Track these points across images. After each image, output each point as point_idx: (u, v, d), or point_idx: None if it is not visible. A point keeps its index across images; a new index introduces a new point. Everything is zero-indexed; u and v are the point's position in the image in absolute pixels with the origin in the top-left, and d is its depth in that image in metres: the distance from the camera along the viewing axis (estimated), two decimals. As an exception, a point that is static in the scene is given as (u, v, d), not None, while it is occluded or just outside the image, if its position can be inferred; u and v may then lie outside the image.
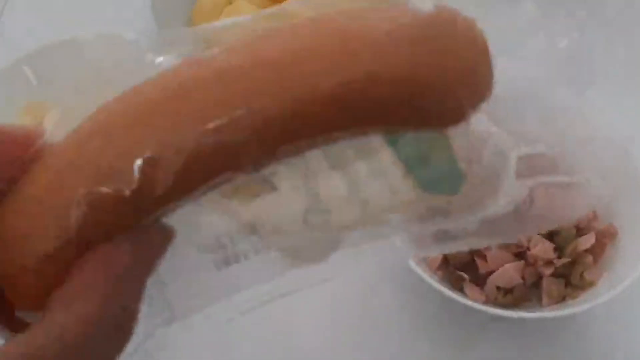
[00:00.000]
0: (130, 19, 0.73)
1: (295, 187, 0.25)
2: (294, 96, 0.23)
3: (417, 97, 0.23)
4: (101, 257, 0.23)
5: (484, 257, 0.55)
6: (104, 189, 0.22)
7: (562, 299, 0.54)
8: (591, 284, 0.54)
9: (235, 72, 0.23)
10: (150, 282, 0.24)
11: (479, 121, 0.25)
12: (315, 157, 0.24)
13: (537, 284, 0.56)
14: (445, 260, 0.57)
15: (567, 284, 0.55)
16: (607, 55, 0.74)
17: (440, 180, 0.26)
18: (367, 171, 0.25)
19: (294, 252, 0.26)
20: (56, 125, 0.68)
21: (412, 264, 0.53)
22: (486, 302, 0.55)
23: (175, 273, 0.26)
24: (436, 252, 0.28)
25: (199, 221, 0.25)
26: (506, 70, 0.26)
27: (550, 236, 0.55)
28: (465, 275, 0.56)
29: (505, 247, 0.55)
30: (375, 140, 0.25)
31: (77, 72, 0.77)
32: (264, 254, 0.26)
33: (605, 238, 0.56)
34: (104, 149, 0.24)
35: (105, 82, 0.72)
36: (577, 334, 0.55)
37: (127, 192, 0.22)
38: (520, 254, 0.55)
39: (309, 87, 0.23)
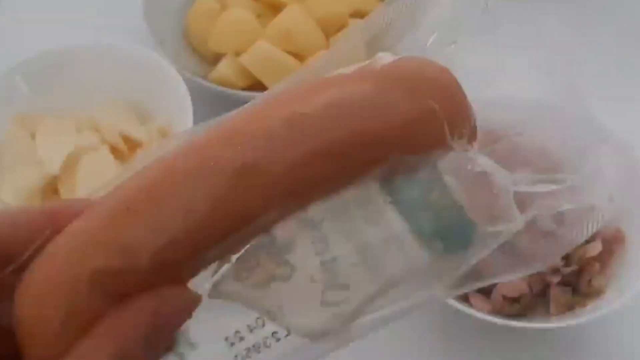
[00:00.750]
0: (122, 28, 0.72)
1: (310, 264, 0.25)
2: (297, 155, 0.24)
3: (404, 131, 0.25)
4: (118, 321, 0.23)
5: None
6: (118, 263, 0.23)
7: (570, 308, 0.53)
8: (599, 292, 0.53)
9: (248, 129, 0.25)
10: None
11: (479, 163, 0.26)
12: (327, 228, 0.25)
13: (544, 292, 0.55)
14: (450, 269, 0.56)
15: (575, 292, 0.54)
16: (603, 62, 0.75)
17: (451, 236, 0.26)
18: (378, 237, 0.25)
19: (317, 336, 0.26)
20: (48, 135, 0.66)
21: (417, 274, 0.51)
22: (492, 311, 0.54)
23: None
24: (469, 289, 0.27)
25: (216, 317, 0.25)
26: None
27: (557, 243, 0.55)
28: (470, 285, 0.55)
29: (510, 255, 0.54)
30: (376, 196, 0.25)
31: (70, 82, 0.76)
32: (285, 340, 0.25)
33: (613, 244, 0.55)
34: (123, 226, 0.23)
35: (99, 92, 0.70)
36: (587, 342, 0.54)
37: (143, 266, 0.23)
38: (526, 262, 0.54)
39: (309, 147, 0.24)
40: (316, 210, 0.24)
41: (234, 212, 0.23)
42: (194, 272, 0.24)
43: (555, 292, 0.53)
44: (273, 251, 0.24)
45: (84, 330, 0.22)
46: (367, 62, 0.28)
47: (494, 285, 0.54)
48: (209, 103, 0.69)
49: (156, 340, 0.23)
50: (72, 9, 0.80)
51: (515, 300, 0.54)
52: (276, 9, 0.68)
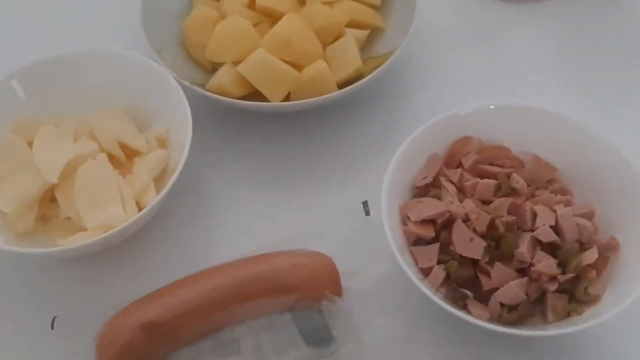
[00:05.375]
0: (121, 36, 0.72)
1: None
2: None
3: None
4: None
5: (487, 274, 0.55)
6: None
7: (567, 315, 0.54)
8: (596, 299, 0.53)
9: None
10: None
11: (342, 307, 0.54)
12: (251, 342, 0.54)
13: (541, 299, 0.55)
14: (448, 277, 0.56)
15: (572, 299, 0.54)
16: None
17: (321, 340, 0.54)
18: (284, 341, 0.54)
19: None
20: (45, 143, 0.67)
21: (417, 282, 0.52)
22: (490, 319, 0.54)
23: None
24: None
25: None
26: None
27: (553, 252, 0.55)
28: (469, 293, 0.55)
29: (508, 263, 0.55)
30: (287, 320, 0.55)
31: (68, 88, 0.77)
32: None
33: (608, 251, 0.56)
34: None
35: (97, 98, 0.72)
36: (584, 348, 0.55)
37: None
38: (523, 270, 0.55)
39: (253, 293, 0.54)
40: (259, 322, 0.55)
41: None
42: None
43: (552, 300, 0.54)
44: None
45: None
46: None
47: (492, 292, 0.54)
48: (206, 112, 0.69)
49: None
50: (71, 16, 0.80)
51: (513, 307, 0.54)
52: (274, 18, 0.68)
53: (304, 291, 0.55)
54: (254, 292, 0.54)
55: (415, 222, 0.57)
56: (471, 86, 0.73)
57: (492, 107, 0.60)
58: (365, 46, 0.71)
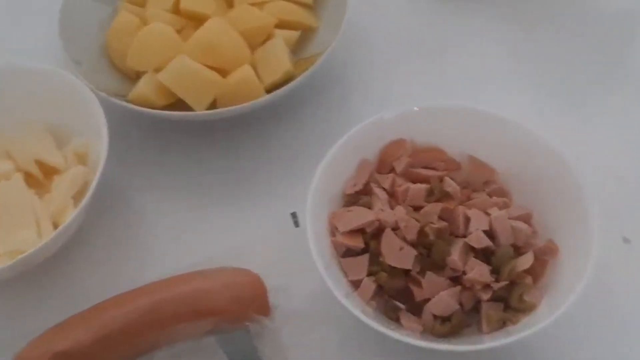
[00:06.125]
0: (38, 49, 0.69)
1: None
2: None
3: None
4: None
5: (419, 284, 0.52)
6: None
7: (502, 324, 0.51)
8: (532, 307, 0.51)
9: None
10: None
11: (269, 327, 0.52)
12: None
13: (477, 308, 0.53)
14: (380, 288, 0.53)
15: (507, 307, 0.52)
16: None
17: None
18: None
19: None
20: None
21: (342, 299, 0.49)
22: (424, 331, 0.51)
23: None
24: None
25: None
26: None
27: (487, 257, 0.52)
28: (401, 305, 0.52)
29: (440, 272, 0.52)
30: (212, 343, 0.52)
31: None
32: None
33: (546, 255, 0.53)
34: None
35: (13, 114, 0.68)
36: (523, 359, 0.52)
37: None
38: (456, 279, 0.52)
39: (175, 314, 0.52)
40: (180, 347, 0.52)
41: None
42: None
43: (486, 309, 0.51)
44: None
45: None
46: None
47: (425, 303, 0.52)
48: (131, 124, 0.66)
49: None
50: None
51: (446, 319, 0.51)
52: (199, 22, 0.65)
53: (226, 313, 0.52)
54: (171, 317, 0.51)
55: (344, 233, 0.54)
56: (416, 88, 0.70)
57: (416, 109, 0.57)
58: (297, 47, 0.68)
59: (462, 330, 0.52)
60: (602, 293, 0.54)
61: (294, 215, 0.56)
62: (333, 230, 0.55)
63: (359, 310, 0.50)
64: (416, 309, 0.52)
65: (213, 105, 0.63)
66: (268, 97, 0.61)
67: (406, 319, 0.52)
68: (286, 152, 0.65)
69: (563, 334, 0.52)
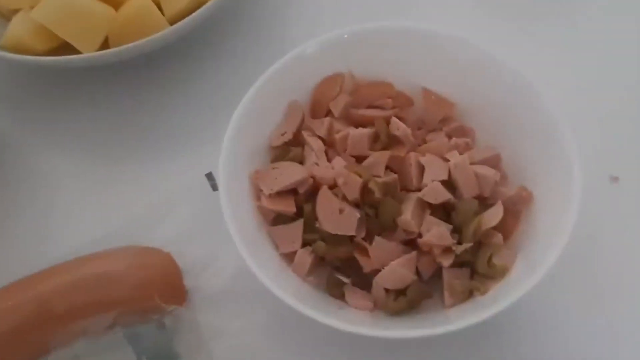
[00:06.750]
0: None
1: None
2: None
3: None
4: None
5: (365, 253, 0.42)
6: None
7: (469, 295, 0.42)
8: (503, 271, 0.41)
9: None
10: None
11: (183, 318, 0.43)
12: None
13: (439, 273, 0.43)
14: (321, 260, 0.44)
15: (474, 273, 0.42)
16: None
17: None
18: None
19: None
20: None
21: (267, 280, 0.39)
22: (375, 309, 0.42)
23: None
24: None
25: None
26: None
27: (447, 214, 0.43)
28: (345, 279, 0.43)
29: (391, 236, 0.42)
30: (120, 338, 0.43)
31: None
32: None
33: (517, 205, 0.44)
34: None
35: None
36: (494, 335, 0.43)
37: None
38: (410, 243, 0.43)
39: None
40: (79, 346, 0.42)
41: None
42: None
43: (448, 278, 0.42)
44: None
45: None
46: None
47: (375, 275, 0.42)
48: (13, 75, 0.54)
49: None
50: None
51: (401, 292, 0.42)
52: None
53: (131, 303, 0.42)
54: (65, 312, 0.41)
55: (271, 195, 0.44)
56: (356, 9, 0.59)
57: (346, 36, 0.46)
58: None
59: (422, 302, 0.43)
60: (586, 246, 0.45)
61: (209, 176, 0.46)
62: (258, 193, 0.44)
63: (291, 290, 0.40)
64: (365, 282, 0.43)
65: (105, 45, 0.51)
66: (171, 30, 0.50)
67: (353, 295, 0.43)
68: (201, 99, 0.53)
69: (539, 299, 0.43)
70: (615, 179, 0.49)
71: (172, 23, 0.51)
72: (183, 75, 0.55)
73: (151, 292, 0.42)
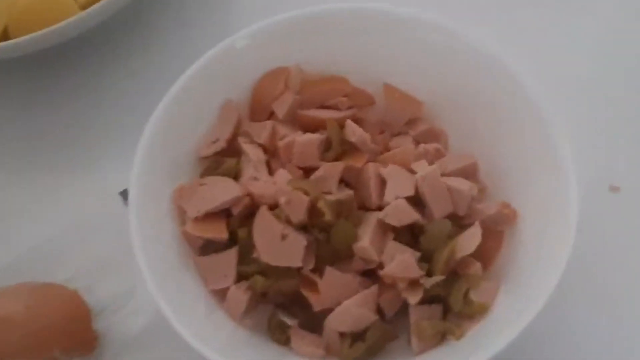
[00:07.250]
0: None
1: None
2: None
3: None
4: None
5: (315, 287, 0.35)
6: None
7: (441, 339, 0.34)
8: (483, 309, 0.34)
9: None
10: None
11: None
12: None
13: (405, 309, 0.36)
14: (261, 297, 0.36)
15: (447, 312, 0.35)
16: None
17: None
18: None
19: None
20: None
21: (184, 330, 0.31)
22: (327, 356, 0.35)
23: None
24: None
25: None
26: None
27: (414, 239, 0.35)
28: (291, 321, 0.35)
29: (346, 266, 0.35)
30: None
31: None
32: None
33: (500, 225, 0.37)
34: None
35: None
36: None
37: None
38: (370, 274, 0.35)
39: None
40: None
41: None
42: None
43: (416, 318, 0.34)
44: None
45: None
46: None
47: (327, 314, 0.34)
48: None
49: None
50: None
51: (358, 336, 0.35)
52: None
53: (22, 356, 0.34)
54: None
55: (197, 219, 0.36)
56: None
57: (282, 20, 0.38)
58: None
59: (386, 346, 0.35)
60: (583, 262, 0.37)
61: (124, 194, 0.38)
62: (182, 216, 0.36)
63: (221, 339, 0.32)
64: (315, 323, 0.36)
65: (5, 36, 0.43)
66: (82, 15, 0.42)
67: (300, 340, 0.35)
68: (119, 99, 0.46)
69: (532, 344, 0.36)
70: (615, 189, 0.42)
71: (84, 8, 0.43)
72: (100, 70, 0.46)
73: (50, 342, 0.35)
